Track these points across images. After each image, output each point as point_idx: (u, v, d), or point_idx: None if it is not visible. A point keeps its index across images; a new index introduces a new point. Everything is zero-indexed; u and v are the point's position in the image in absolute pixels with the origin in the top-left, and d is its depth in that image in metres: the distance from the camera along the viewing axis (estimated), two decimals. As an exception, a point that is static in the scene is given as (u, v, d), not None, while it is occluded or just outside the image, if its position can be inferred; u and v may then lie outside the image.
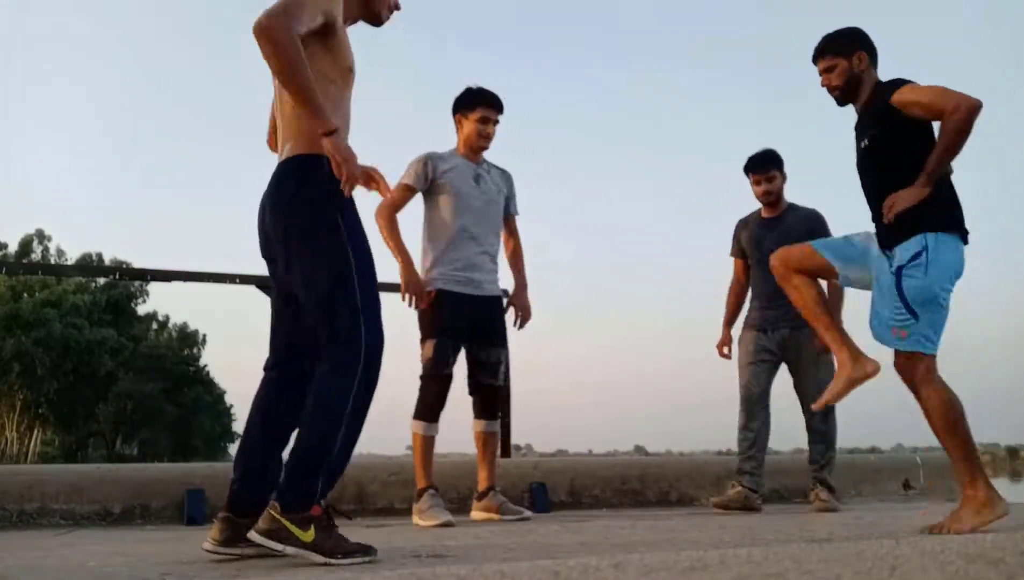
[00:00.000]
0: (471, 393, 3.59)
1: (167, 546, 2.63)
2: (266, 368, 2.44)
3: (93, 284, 30.66)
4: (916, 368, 2.63)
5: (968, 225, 2.70)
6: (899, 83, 2.74)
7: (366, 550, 2.09)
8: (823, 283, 3.00)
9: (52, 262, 30.51)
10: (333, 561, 2.03)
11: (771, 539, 2.55)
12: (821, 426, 3.98)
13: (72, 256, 32.16)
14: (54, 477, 3.63)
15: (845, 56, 2.87)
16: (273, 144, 2.49)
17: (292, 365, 2.39)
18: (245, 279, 4.69)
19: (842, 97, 2.91)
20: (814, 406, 3.00)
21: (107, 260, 31.98)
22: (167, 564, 2.15)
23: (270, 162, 2.41)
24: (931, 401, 2.60)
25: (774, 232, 4.00)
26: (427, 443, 3.43)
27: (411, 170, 3.56)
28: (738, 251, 4.23)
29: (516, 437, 4.89)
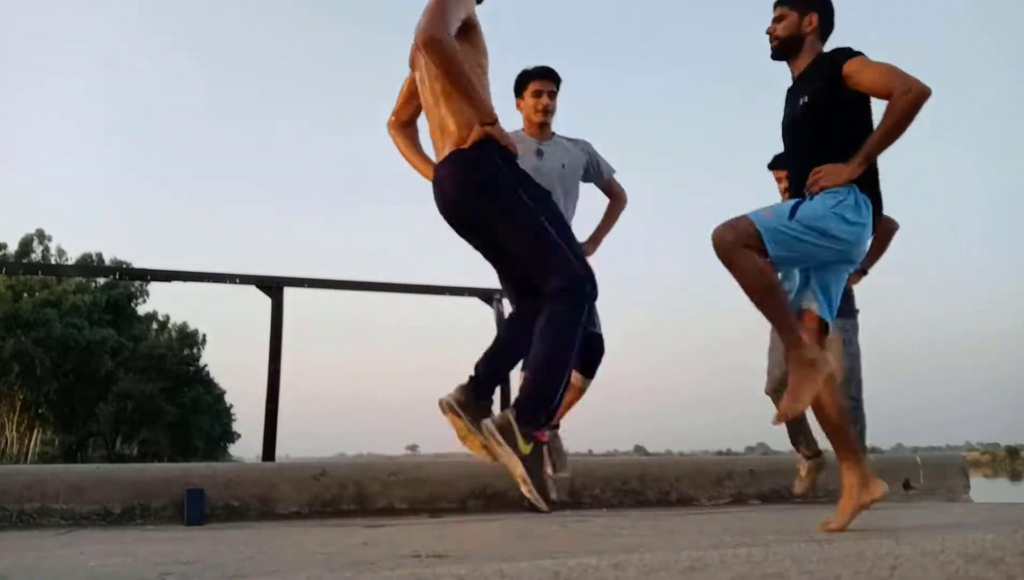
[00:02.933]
0: None
1: (167, 546, 2.63)
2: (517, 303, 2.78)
3: (93, 284, 30.64)
4: (739, 233, 2.50)
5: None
6: (849, 53, 2.67)
7: (547, 498, 2.46)
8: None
9: (52, 262, 30.50)
10: (527, 483, 2.30)
11: (771, 539, 2.55)
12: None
13: (72, 256, 32.17)
14: (54, 477, 3.63)
15: (799, 11, 2.81)
16: (395, 128, 2.94)
17: (523, 303, 2.69)
18: (245, 279, 4.69)
19: (778, 49, 2.85)
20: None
21: (107, 260, 31.94)
22: (167, 564, 2.15)
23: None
24: (746, 264, 2.48)
25: None
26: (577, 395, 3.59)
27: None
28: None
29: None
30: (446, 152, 2.62)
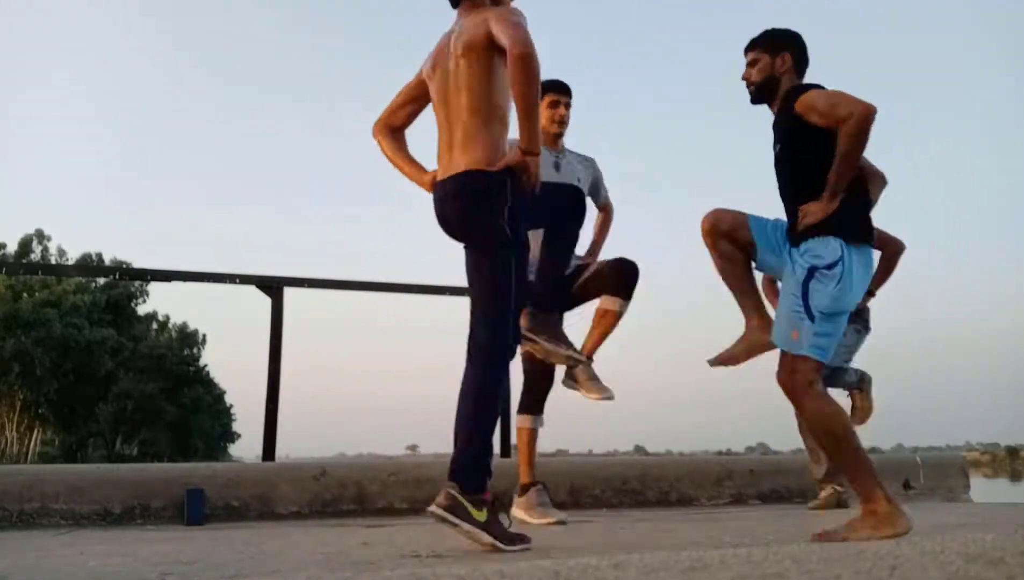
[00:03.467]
0: (600, 281, 3.55)
1: (167, 546, 2.63)
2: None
3: (93, 284, 30.64)
4: (799, 375, 2.53)
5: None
6: (804, 88, 2.69)
7: (524, 539, 2.35)
8: None
9: (52, 262, 30.50)
10: (500, 545, 2.27)
11: (771, 539, 2.55)
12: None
13: (72, 256, 32.17)
14: (54, 477, 3.63)
15: (771, 53, 2.81)
16: (382, 133, 2.89)
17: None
18: (245, 279, 4.69)
19: (756, 94, 2.84)
20: (709, 361, 2.86)
21: (107, 260, 31.95)
22: (167, 564, 2.15)
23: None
24: (814, 413, 2.50)
25: None
26: (531, 436, 3.61)
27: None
28: None
29: (516, 437, 4.89)
30: (460, 168, 2.59)
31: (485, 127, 2.58)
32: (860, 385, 4.14)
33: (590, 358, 3.55)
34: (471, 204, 2.58)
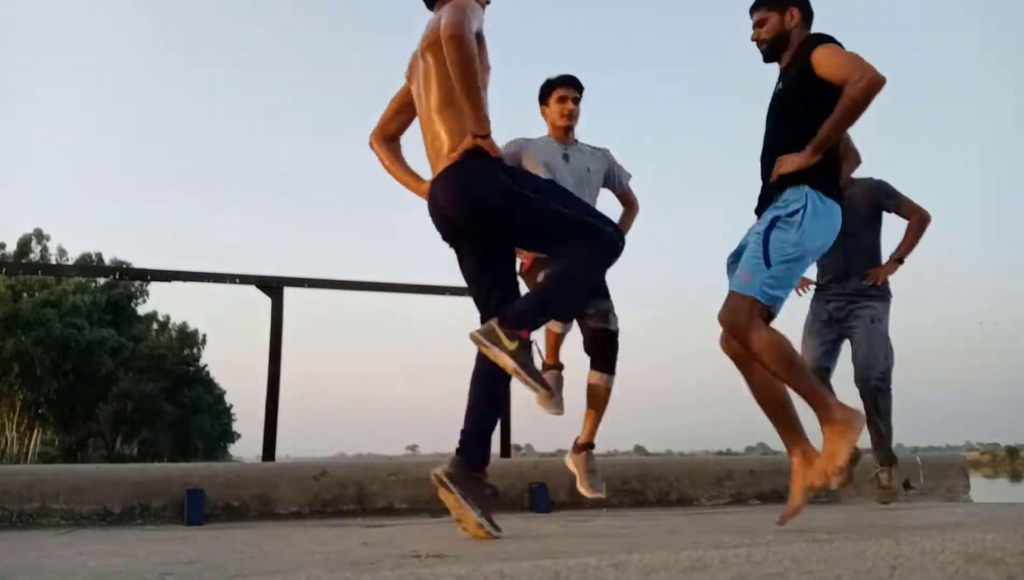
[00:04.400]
0: (586, 348, 3.65)
1: (167, 546, 2.63)
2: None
3: (93, 284, 30.64)
4: (742, 313, 2.58)
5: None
6: (822, 39, 2.71)
7: (545, 384, 2.48)
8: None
9: (52, 262, 30.50)
10: (521, 372, 2.41)
11: (771, 539, 2.55)
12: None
13: (72, 256, 32.17)
14: (54, 477, 3.63)
15: (778, 10, 2.85)
16: (379, 142, 2.93)
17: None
18: (245, 279, 4.69)
19: (768, 52, 2.88)
20: None
21: (107, 260, 31.97)
22: (167, 564, 2.15)
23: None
24: (762, 342, 2.56)
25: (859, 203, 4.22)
26: (557, 338, 3.68)
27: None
28: None
29: (516, 437, 4.90)
30: (440, 168, 2.64)
31: (457, 121, 2.60)
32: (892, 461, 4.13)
33: (591, 445, 3.68)
34: (461, 195, 2.59)
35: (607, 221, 2.63)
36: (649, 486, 4.46)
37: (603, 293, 3.69)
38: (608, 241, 2.57)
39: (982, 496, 5.23)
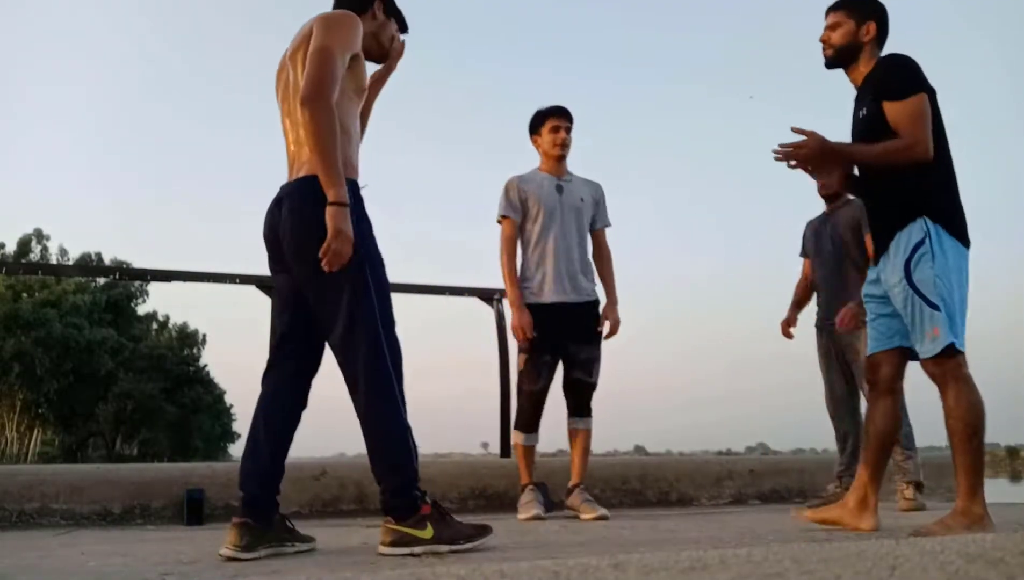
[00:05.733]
0: (564, 391, 3.73)
1: (167, 546, 2.63)
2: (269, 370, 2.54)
3: (93, 284, 30.64)
4: (947, 365, 2.47)
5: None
6: (895, 74, 2.60)
7: (483, 531, 2.34)
8: None
9: (52, 262, 30.49)
10: (458, 548, 2.23)
11: (771, 539, 2.55)
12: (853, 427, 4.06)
13: (72, 256, 32.17)
14: (54, 477, 3.63)
15: (857, 19, 2.70)
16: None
17: (285, 365, 2.51)
18: (245, 279, 4.68)
19: (833, 58, 2.75)
20: None
21: (107, 260, 31.97)
22: (167, 564, 2.15)
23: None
24: (959, 401, 2.46)
25: (827, 225, 4.20)
26: (527, 451, 3.73)
27: (503, 202, 3.76)
28: (804, 251, 4.41)
29: (516, 437, 4.88)
30: (301, 172, 2.39)
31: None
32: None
33: (579, 485, 3.72)
34: (311, 217, 2.28)
35: (393, 340, 2.40)
36: (649, 486, 4.46)
37: (593, 336, 3.73)
38: (391, 387, 2.33)
39: (982, 496, 5.21)
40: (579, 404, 3.72)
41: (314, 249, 2.23)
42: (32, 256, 30.92)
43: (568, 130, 3.82)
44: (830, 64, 2.76)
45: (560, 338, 3.65)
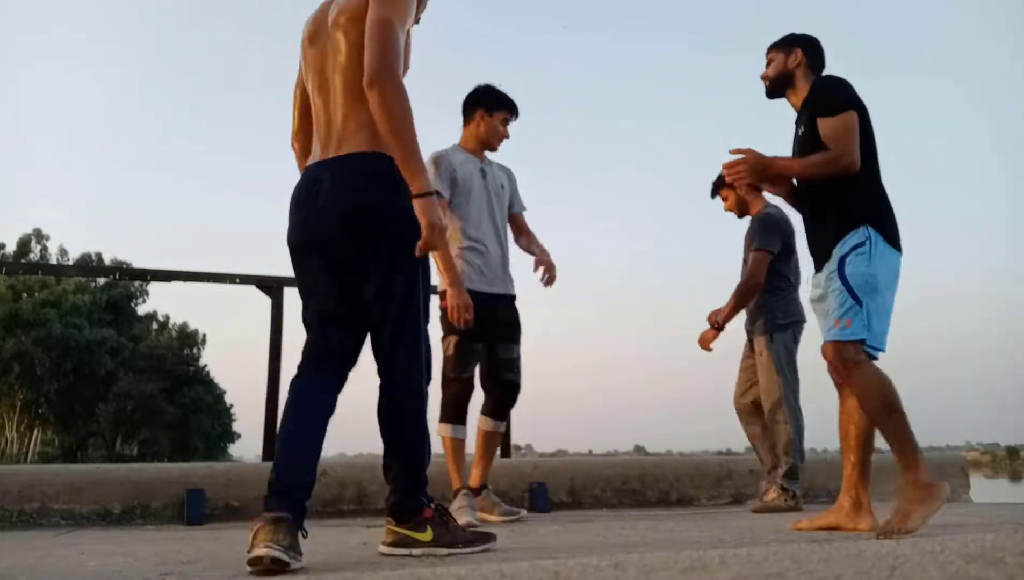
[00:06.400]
0: (487, 390, 3.55)
1: (167, 546, 2.63)
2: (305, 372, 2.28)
3: (93, 284, 30.66)
4: (846, 353, 2.62)
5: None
6: (829, 88, 2.84)
7: (485, 538, 2.27)
8: None
9: (52, 262, 30.50)
10: (456, 551, 2.17)
11: (771, 539, 2.55)
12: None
13: (72, 256, 32.19)
14: (54, 477, 3.63)
15: (784, 51, 3.01)
16: (300, 144, 2.44)
17: (323, 370, 2.28)
18: (245, 279, 4.69)
19: (770, 88, 3.05)
20: None
21: (107, 260, 32.00)
22: (167, 564, 2.15)
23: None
24: (865, 381, 2.58)
25: (746, 236, 4.27)
26: (455, 445, 3.43)
27: (432, 176, 3.45)
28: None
29: (516, 437, 4.89)
30: (344, 150, 2.20)
31: (366, 111, 2.17)
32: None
33: (487, 486, 3.54)
34: (370, 189, 2.14)
35: (429, 372, 2.32)
36: (649, 486, 4.46)
37: (516, 333, 3.59)
38: (427, 381, 2.29)
39: (982, 496, 5.23)
40: (505, 407, 3.57)
41: (368, 230, 2.12)
42: (32, 256, 30.94)
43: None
44: (769, 94, 3.07)
45: (487, 332, 3.43)
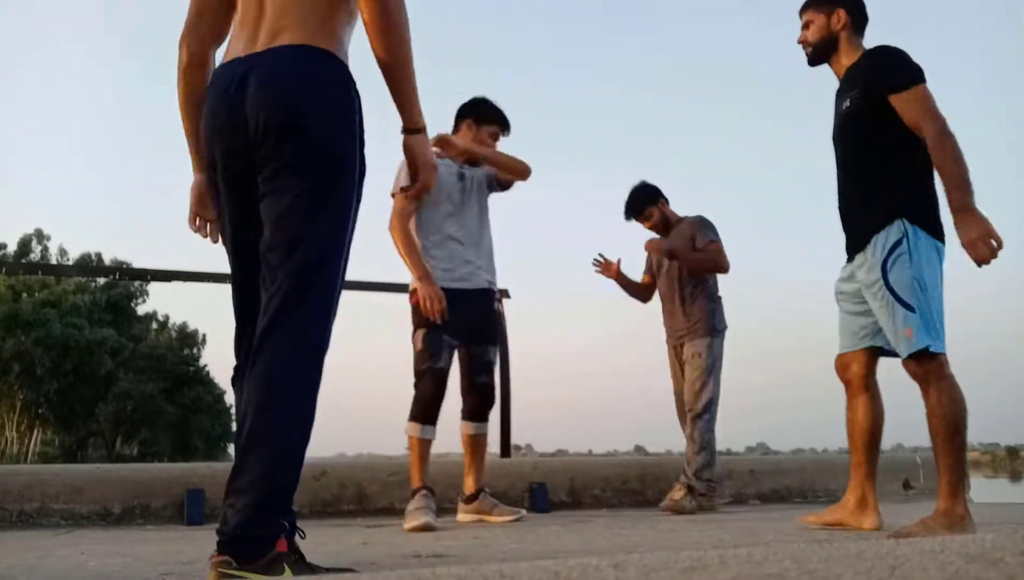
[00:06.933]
0: (463, 394, 3.45)
1: (167, 546, 2.63)
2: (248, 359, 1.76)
3: (93, 284, 30.66)
4: (928, 366, 2.49)
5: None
6: (895, 75, 2.57)
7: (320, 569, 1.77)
8: None
9: (52, 262, 30.50)
10: None
11: (771, 539, 2.55)
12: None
13: (72, 256, 32.19)
14: (54, 477, 3.63)
15: (825, 12, 2.76)
16: (191, 47, 1.96)
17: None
18: (245, 279, 4.68)
19: (813, 55, 2.80)
20: None
21: (107, 260, 31.99)
22: (167, 564, 2.15)
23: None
24: (940, 400, 2.46)
25: (665, 242, 4.22)
26: (422, 446, 3.27)
27: (403, 176, 3.32)
28: (647, 268, 4.43)
29: (516, 437, 4.89)
30: (281, 41, 1.70)
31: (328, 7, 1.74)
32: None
33: (483, 489, 3.46)
34: (315, 91, 1.68)
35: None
36: (649, 486, 4.45)
37: (493, 333, 3.52)
38: (318, 364, 1.68)
39: (982, 496, 5.23)
40: (478, 409, 3.44)
41: (325, 142, 1.67)
42: (32, 256, 30.94)
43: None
44: (812, 61, 2.82)
45: (459, 329, 3.31)
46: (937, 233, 2.56)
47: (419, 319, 3.29)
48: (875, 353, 2.75)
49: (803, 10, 2.83)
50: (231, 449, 36.18)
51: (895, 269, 2.51)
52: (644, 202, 4.28)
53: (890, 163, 2.56)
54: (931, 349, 2.48)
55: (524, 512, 3.53)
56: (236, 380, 1.84)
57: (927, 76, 2.57)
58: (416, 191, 1.90)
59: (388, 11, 1.70)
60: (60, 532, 3.25)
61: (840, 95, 2.74)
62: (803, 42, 2.81)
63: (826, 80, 2.87)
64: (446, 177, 3.42)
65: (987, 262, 2.35)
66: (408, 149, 1.82)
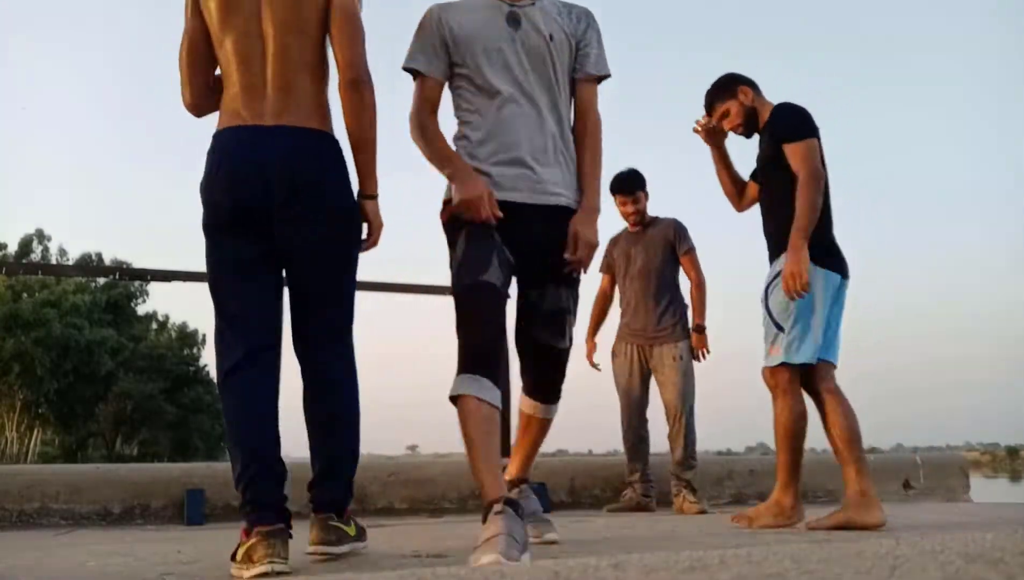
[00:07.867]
0: (521, 356, 2.39)
1: (167, 546, 2.63)
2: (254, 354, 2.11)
3: (93, 284, 30.64)
4: (778, 379, 2.91)
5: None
6: (785, 130, 2.94)
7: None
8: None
9: (52, 262, 30.50)
10: (360, 544, 2.28)
11: (771, 539, 2.55)
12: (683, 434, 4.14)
13: (72, 256, 32.18)
14: (54, 477, 3.63)
15: (731, 96, 3.10)
16: (195, 97, 2.27)
17: (276, 349, 2.20)
18: (245, 279, 4.68)
19: (747, 131, 3.14)
20: None
21: (107, 260, 31.98)
22: (167, 564, 2.15)
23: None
24: (783, 410, 2.89)
25: (640, 245, 4.26)
26: (482, 415, 2.07)
27: (417, 45, 2.32)
28: (606, 267, 4.43)
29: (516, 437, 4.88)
30: (286, 120, 2.09)
31: (321, 82, 2.22)
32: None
33: (524, 480, 2.60)
34: (334, 168, 2.18)
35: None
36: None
37: (565, 266, 2.24)
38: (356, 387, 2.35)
39: (982, 496, 5.23)
40: (541, 383, 2.41)
41: (336, 217, 2.16)
42: (33, 256, 30.93)
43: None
44: (748, 135, 3.16)
45: (512, 246, 2.21)
46: (827, 264, 2.91)
47: (456, 223, 2.22)
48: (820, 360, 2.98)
49: (710, 106, 3.17)
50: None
51: (774, 293, 2.91)
52: (643, 182, 4.28)
53: (788, 198, 2.88)
54: (788, 362, 2.87)
55: (557, 537, 2.52)
56: (236, 374, 2.12)
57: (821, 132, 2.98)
58: (367, 248, 2.30)
59: (363, 97, 2.15)
60: (60, 532, 3.25)
61: (759, 139, 3.12)
62: (732, 129, 3.14)
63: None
64: (491, 25, 2.30)
65: (791, 297, 2.79)
66: (364, 211, 2.25)
